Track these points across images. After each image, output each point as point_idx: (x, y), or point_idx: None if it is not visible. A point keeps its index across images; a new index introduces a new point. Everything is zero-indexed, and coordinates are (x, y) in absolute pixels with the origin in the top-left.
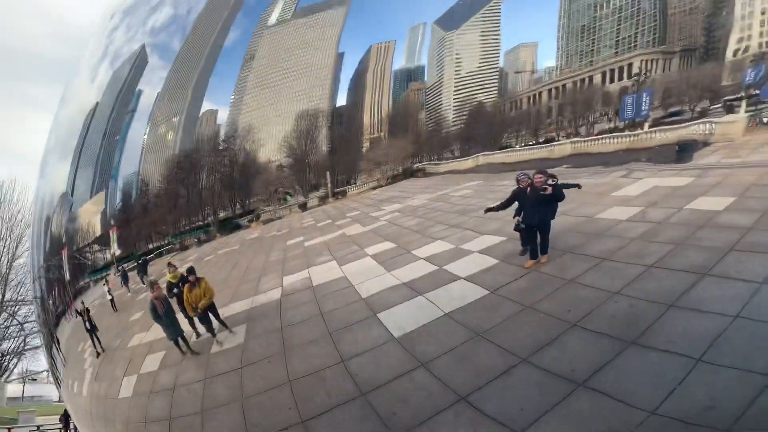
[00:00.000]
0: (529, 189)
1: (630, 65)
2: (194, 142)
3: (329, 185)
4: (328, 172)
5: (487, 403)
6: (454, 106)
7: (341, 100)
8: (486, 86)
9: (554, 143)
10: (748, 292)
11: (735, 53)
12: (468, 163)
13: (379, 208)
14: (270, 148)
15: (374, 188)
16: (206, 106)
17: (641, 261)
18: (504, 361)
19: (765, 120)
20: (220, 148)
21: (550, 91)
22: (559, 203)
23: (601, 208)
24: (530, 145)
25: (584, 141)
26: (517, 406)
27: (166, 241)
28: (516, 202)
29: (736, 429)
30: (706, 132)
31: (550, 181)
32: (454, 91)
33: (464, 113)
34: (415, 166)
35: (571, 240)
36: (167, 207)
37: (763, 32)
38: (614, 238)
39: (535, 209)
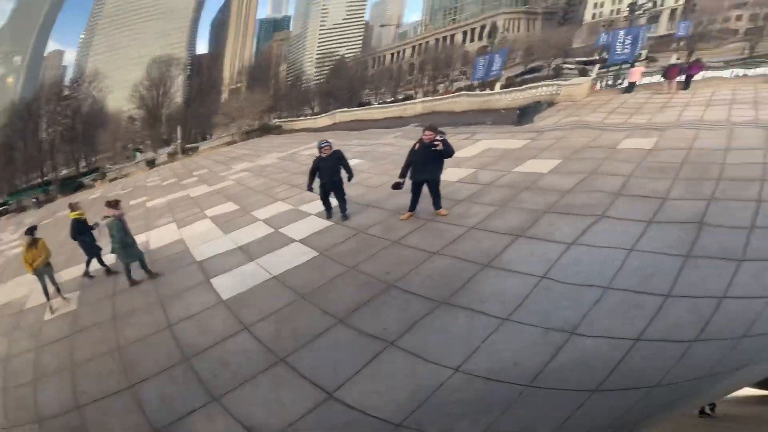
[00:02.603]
0: (417, 146)
1: (494, 24)
2: (38, 87)
3: (179, 141)
4: (179, 126)
5: (302, 364)
6: (316, 60)
7: (200, 48)
8: (350, 39)
9: (407, 102)
10: (557, 253)
11: (592, 17)
12: (324, 120)
13: (228, 166)
14: (119, 97)
15: (228, 144)
16: (53, 46)
17: (463, 222)
18: (322, 322)
19: (608, 83)
20: (64, 94)
21: (413, 47)
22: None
23: None
24: (387, 102)
25: (434, 100)
26: (330, 366)
27: None
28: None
29: (536, 383)
30: (553, 93)
31: (438, 137)
32: (318, 43)
33: (326, 67)
34: (272, 122)
35: (403, 202)
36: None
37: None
38: (443, 200)
39: (426, 165)
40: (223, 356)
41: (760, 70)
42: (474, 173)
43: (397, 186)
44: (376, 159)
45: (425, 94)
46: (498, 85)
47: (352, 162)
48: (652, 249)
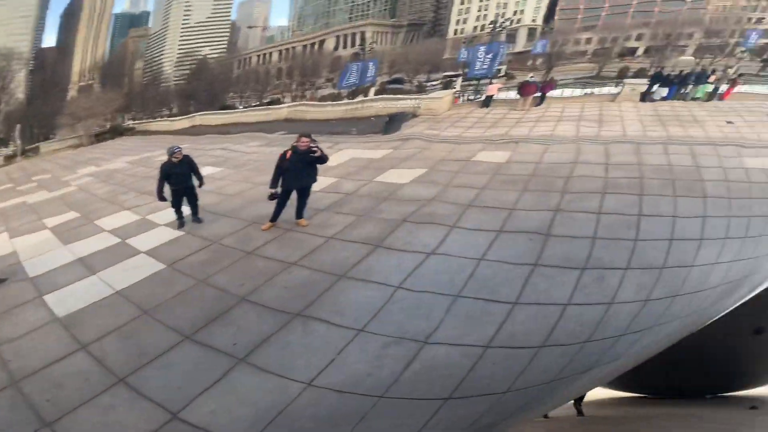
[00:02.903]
0: (290, 153)
1: (362, 33)
2: None
3: (18, 142)
4: (18, 126)
5: (145, 384)
6: (177, 59)
7: (48, 40)
8: (215, 39)
9: (272, 107)
10: (412, 263)
11: (455, 32)
12: (183, 123)
13: (73, 170)
14: None
15: (75, 147)
16: None
17: (323, 232)
18: (167, 340)
19: (469, 97)
20: None
21: (281, 51)
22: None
23: None
24: (253, 106)
25: (300, 106)
26: (175, 385)
27: None
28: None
29: (389, 394)
30: (415, 106)
31: (312, 145)
32: (180, 41)
33: (187, 67)
34: (125, 124)
35: (259, 211)
36: None
37: (480, 16)
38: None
39: (300, 173)
40: (58, 378)
41: (605, 89)
42: (336, 182)
43: (273, 197)
44: (237, 166)
45: (293, 100)
46: (372, 92)
47: (211, 170)
48: (501, 258)
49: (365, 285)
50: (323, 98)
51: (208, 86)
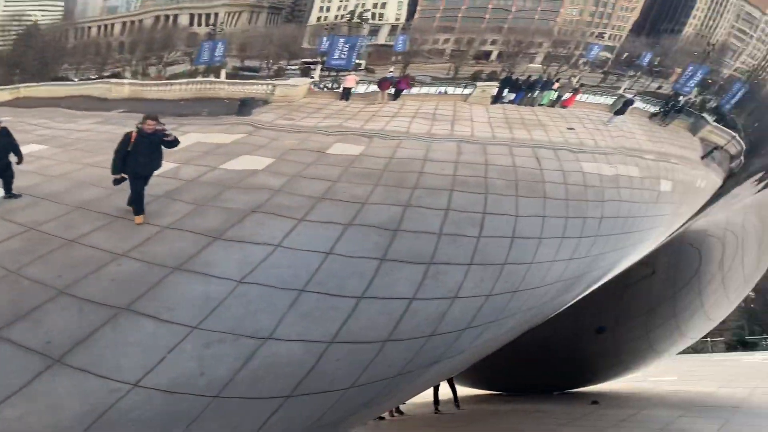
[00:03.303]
0: (135, 135)
1: (216, 14)
2: None
3: None
4: None
5: None
6: (1, 22)
7: None
8: (47, 3)
9: (112, 81)
10: (257, 256)
11: (318, 19)
12: (3, 94)
13: None
14: None
15: None
16: None
17: (158, 221)
18: None
19: (327, 86)
20: None
21: (124, 23)
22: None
23: None
24: (90, 80)
25: (145, 85)
26: None
27: None
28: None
29: (225, 393)
30: (268, 92)
31: (159, 128)
32: (5, 2)
33: (13, 32)
34: None
35: (83, 196)
36: None
37: (342, 6)
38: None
39: (149, 158)
40: None
41: (459, 90)
42: (177, 168)
43: (119, 182)
44: (64, 145)
45: (133, 75)
46: (223, 73)
47: (35, 147)
48: (349, 253)
49: (203, 279)
50: (174, 76)
51: (38, 55)
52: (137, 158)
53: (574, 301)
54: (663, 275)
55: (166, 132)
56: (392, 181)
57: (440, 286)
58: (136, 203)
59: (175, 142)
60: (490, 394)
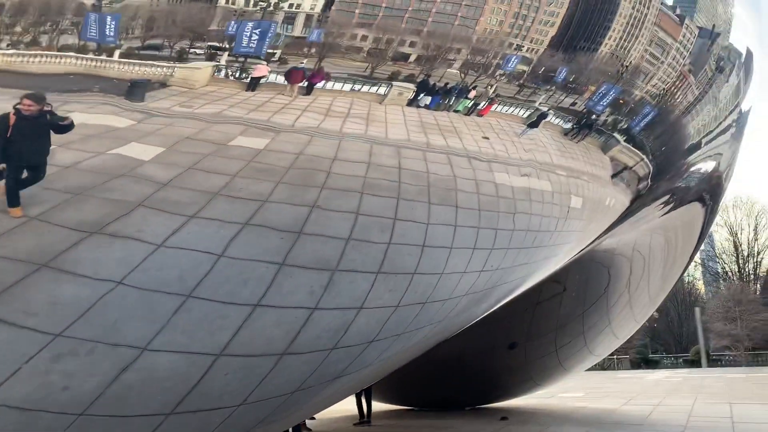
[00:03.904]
0: (15, 118)
1: None
2: None
3: None
4: None
5: None
6: None
7: None
8: None
9: None
10: (138, 255)
11: (227, 1)
12: None
13: None
14: None
15: None
16: None
17: (23, 211)
18: None
19: (233, 74)
20: None
21: None
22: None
23: None
24: None
25: (19, 57)
26: None
27: None
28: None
29: (92, 411)
30: (167, 74)
31: (46, 108)
32: None
33: None
34: None
35: None
36: None
37: None
38: None
39: (35, 145)
40: None
41: (375, 89)
42: (52, 150)
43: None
44: None
45: (14, 46)
46: (117, 53)
47: None
48: (245, 255)
49: (73, 279)
50: (65, 47)
51: None
52: (24, 145)
53: (484, 315)
54: (573, 293)
55: (65, 116)
56: (297, 180)
57: (345, 295)
58: (10, 194)
59: (67, 126)
60: (403, 410)
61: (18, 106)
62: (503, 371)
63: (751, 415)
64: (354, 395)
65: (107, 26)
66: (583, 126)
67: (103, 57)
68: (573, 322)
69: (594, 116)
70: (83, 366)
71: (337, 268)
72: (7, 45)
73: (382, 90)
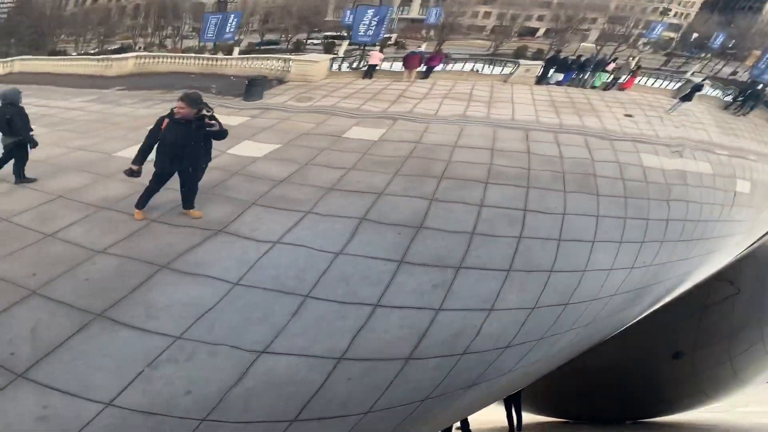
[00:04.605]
0: (168, 122)
1: None
2: None
3: None
4: None
5: None
6: None
7: None
8: None
9: (114, 57)
10: (255, 254)
11: None
12: None
13: None
14: None
15: None
16: None
17: (147, 214)
18: None
19: (351, 64)
20: None
21: None
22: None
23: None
24: (90, 54)
25: (152, 58)
26: None
27: None
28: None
29: (214, 416)
30: (284, 68)
31: (206, 112)
32: None
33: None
34: None
35: (69, 183)
36: None
37: None
38: (122, 182)
39: (184, 151)
40: None
41: (499, 69)
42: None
43: (131, 173)
44: (52, 125)
45: (147, 48)
46: (236, 51)
47: None
48: (363, 252)
49: (192, 280)
50: (187, 50)
51: (34, 24)
52: (172, 150)
53: (640, 317)
54: (748, 295)
55: (211, 121)
56: (417, 171)
57: (473, 295)
58: (144, 196)
59: (221, 134)
60: (557, 422)
61: (174, 108)
62: (667, 383)
63: None
64: (503, 405)
65: (228, 26)
66: (748, 97)
67: (220, 55)
68: (749, 327)
69: (761, 86)
70: (204, 370)
71: (461, 266)
72: (146, 48)
73: (508, 69)
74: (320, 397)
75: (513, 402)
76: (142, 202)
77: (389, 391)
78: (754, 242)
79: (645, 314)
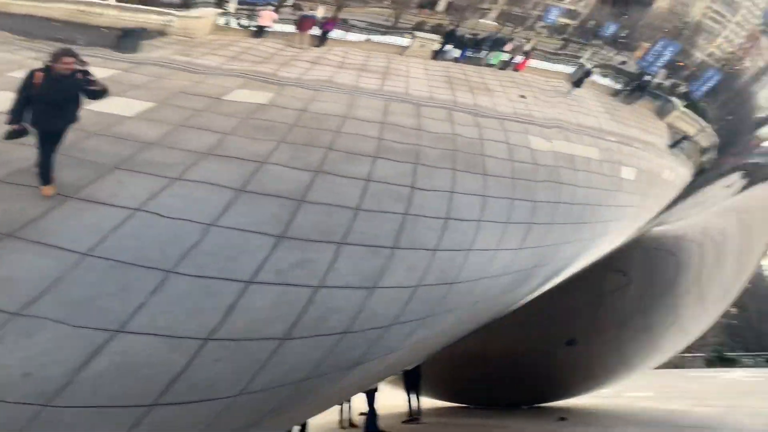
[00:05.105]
0: (43, 77)
1: None
2: None
3: None
4: None
5: None
6: None
7: None
8: None
9: None
10: (112, 222)
11: None
12: None
13: None
14: None
15: None
16: None
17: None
18: None
19: (239, 23)
20: None
21: None
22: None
23: None
24: None
25: None
26: None
27: None
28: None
29: (58, 402)
30: (165, 22)
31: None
32: None
33: None
34: None
35: None
36: None
37: None
38: None
39: (64, 109)
40: None
41: (395, 40)
42: None
43: (15, 134)
44: None
45: None
46: None
47: None
48: (238, 225)
49: (36, 249)
50: None
51: None
52: (51, 109)
53: (530, 298)
54: (638, 285)
55: (90, 77)
56: (303, 140)
57: (357, 272)
58: (43, 168)
59: (101, 92)
60: (456, 407)
61: (50, 63)
62: (562, 369)
63: None
64: (405, 391)
65: None
66: (635, 88)
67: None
68: (637, 316)
69: (648, 77)
70: (48, 351)
71: (344, 242)
72: None
73: (405, 42)
74: (184, 380)
75: (414, 388)
76: (45, 175)
77: (263, 373)
78: (641, 228)
79: (538, 298)
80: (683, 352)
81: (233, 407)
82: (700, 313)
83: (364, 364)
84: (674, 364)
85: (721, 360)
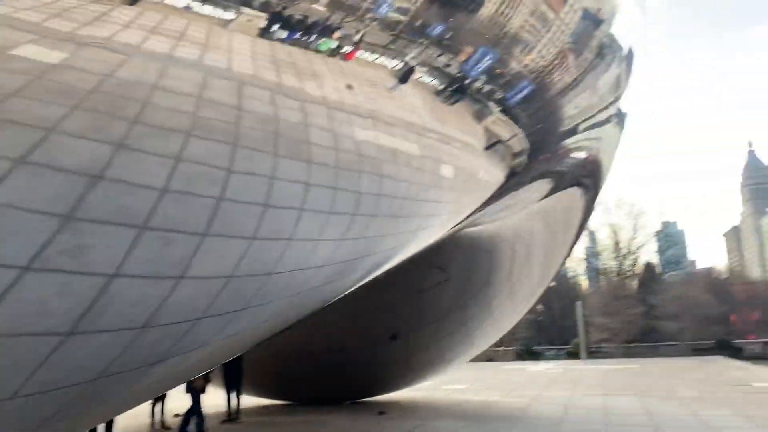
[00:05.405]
0: None
1: None
2: None
3: None
4: None
5: None
6: None
7: None
8: None
9: None
10: None
11: None
12: None
13: None
14: None
15: None
16: None
17: None
18: None
19: None
20: None
21: None
22: None
23: None
24: None
25: None
26: None
27: None
28: None
29: None
30: None
31: None
32: None
33: None
34: None
35: None
36: None
37: None
38: None
39: None
40: None
41: (219, 12)
42: None
43: None
44: None
45: None
46: None
47: None
48: (11, 202)
49: None
50: None
51: None
52: None
53: (352, 289)
54: (456, 282)
55: None
56: (104, 107)
57: (160, 259)
58: None
59: None
60: (278, 405)
61: None
62: (384, 364)
63: (621, 406)
64: (224, 389)
65: None
66: (456, 90)
67: None
68: (456, 312)
69: (468, 80)
70: None
71: (146, 226)
72: None
73: (230, 15)
74: None
75: (233, 386)
76: None
77: (43, 372)
78: (457, 224)
79: (362, 294)
80: (495, 346)
81: (9, 411)
82: (511, 308)
83: (171, 359)
84: (487, 357)
85: (529, 353)
